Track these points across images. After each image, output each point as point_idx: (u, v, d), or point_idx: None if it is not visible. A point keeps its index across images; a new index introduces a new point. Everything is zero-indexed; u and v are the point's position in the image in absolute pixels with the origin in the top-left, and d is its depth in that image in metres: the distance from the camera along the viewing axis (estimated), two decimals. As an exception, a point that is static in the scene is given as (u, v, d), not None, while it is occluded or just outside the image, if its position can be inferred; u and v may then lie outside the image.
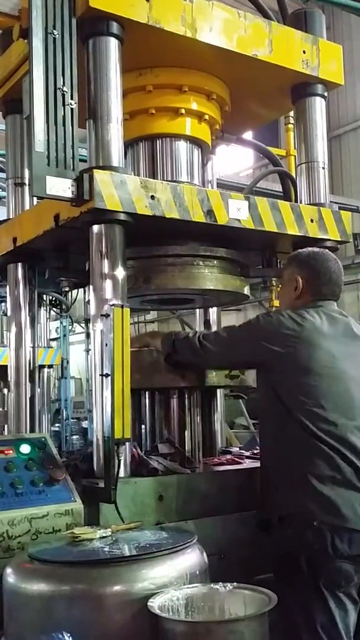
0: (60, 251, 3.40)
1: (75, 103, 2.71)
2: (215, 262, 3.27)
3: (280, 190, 4.04)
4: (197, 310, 4.23)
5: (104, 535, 2.29)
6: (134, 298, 3.34)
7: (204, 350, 2.84)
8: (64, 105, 2.69)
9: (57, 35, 2.69)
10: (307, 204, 3.44)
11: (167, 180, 3.09)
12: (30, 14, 2.65)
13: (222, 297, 3.62)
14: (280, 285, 2.97)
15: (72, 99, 2.70)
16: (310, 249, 2.98)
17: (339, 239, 3.41)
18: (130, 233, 2.82)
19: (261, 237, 3.29)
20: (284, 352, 2.63)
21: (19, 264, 3.50)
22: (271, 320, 2.73)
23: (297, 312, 2.73)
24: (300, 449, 2.56)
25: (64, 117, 2.68)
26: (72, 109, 2.70)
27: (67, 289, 3.77)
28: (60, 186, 2.63)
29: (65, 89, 2.69)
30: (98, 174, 2.68)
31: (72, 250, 3.36)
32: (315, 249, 2.97)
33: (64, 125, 2.68)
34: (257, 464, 3.13)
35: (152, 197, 2.81)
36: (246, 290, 3.49)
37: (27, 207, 3.60)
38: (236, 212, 3.05)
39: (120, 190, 2.72)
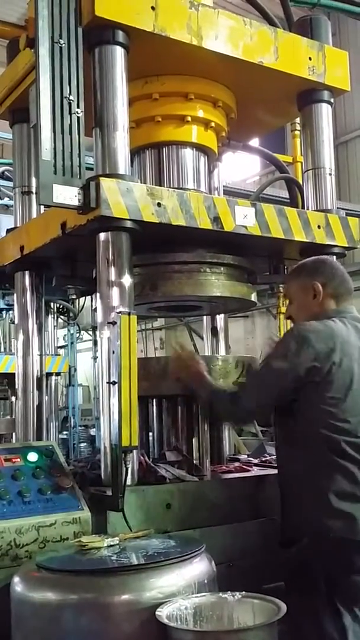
0: (67, 259, 3.40)
1: (82, 111, 2.72)
2: (222, 268, 3.26)
3: (287, 197, 4.04)
4: (205, 317, 4.22)
5: (112, 543, 2.28)
6: (141, 305, 3.34)
7: (246, 393, 2.75)
8: (70, 113, 2.70)
9: (63, 45, 2.71)
10: (314, 211, 3.44)
11: (173, 188, 3.09)
12: (37, 23, 2.67)
13: (229, 303, 3.61)
14: (289, 302, 2.88)
15: (78, 107, 2.71)
16: (310, 258, 2.92)
17: (347, 245, 3.40)
18: (137, 240, 2.82)
19: (268, 244, 3.28)
20: (320, 366, 2.51)
21: (26, 272, 3.51)
22: (306, 337, 2.55)
23: (326, 325, 2.61)
24: (321, 464, 2.50)
25: (70, 125, 2.69)
26: (78, 118, 2.71)
27: (74, 296, 3.77)
28: (67, 194, 2.64)
29: (71, 97, 2.70)
30: (104, 182, 2.68)
31: (79, 257, 3.36)
32: (314, 258, 2.93)
33: (70, 133, 2.69)
34: (265, 472, 3.13)
35: (159, 204, 2.81)
36: (253, 297, 3.49)
37: (34, 215, 3.61)
38: (243, 218, 3.05)
39: (127, 197, 2.72)
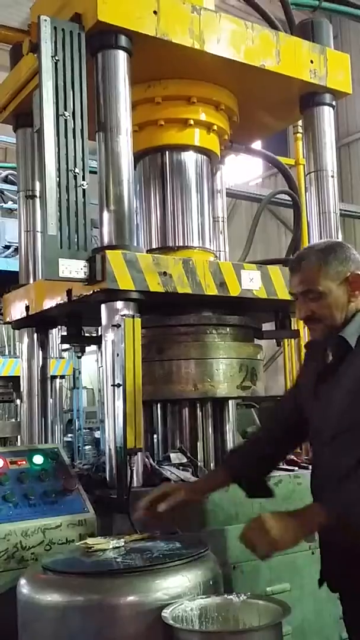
0: (73, 318, 3.41)
1: (87, 184, 2.72)
2: (228, 329, 3.25)
3: (287, 199, 4.05)
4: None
5: (117, 545, 2.29)
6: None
7: None
8: (76, 187, 2.70)
9: (68, 117, 2.71)
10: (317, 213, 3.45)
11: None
12: (41, 98, 2.66)
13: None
14: (309, 297, 2.20)
15: (83, 180, 2.71)
16: (326, 242, 2.47)
17: None
18: (143, 304, 2.81)
19: (275, 304, 3.26)
20: None
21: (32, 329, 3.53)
22: None
23: None
24: None
25: (76, 198, 2.69)
26: (83, 190, 2.71)
27: (79, 354, 3.82)
28: (73, 267, 2.65)
29: (77, 170, 2.70)
30: (110, 254, 2.68)
31: (85, 316, 3.37)
32: (330, 241, 2.51)
33: (76, 206, 2.68)
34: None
35: (164, 273, 2.81)
36: (259, 356, 3.42)
37: (38, 219, 3.61)
38: (249, 282, 3.05)
39: (132, 269, 2.72)
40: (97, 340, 3.01)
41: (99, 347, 3.09)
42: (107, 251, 2.69)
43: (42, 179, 2.69)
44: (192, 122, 3.33)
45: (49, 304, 3.12)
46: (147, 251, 3.28)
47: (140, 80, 3.19)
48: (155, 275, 2.79)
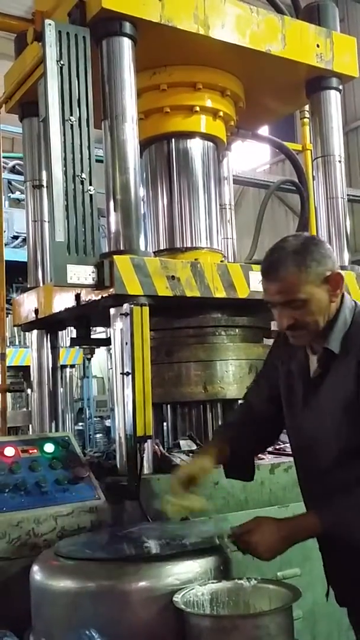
0: (82, 319, 3.40)
1: (94, 189, 2.71)
2: (237, 330, 3.24)
3: (292, 187, 4.04)
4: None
5: None
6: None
7: None
8: (83, 192, 2.69)
9: (74, 122, 2.69)
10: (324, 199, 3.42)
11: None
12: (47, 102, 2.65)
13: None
14: (292, 306, 2.07)
15: (90, 185, 2.70)
16: (295, 239, 2.10)
17: None
18: (151, 307, 2.78)
19: None
20: None
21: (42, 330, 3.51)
22: None
23: None
24: None
25: (83, 204, 2.68)
26: (91, 195, 2.70)
27: (89, 356, 3.79)
28: (81, 274, 2.64)
29: (83, 176, 2.69)
30: (118, 260, 2.67)
31: (94, 318, 3.36)
32: (302, 237, 2.13)
33: (83, 212, 2.68)
34: (279, 460, 3.13)
35: (172, 277, 2.80)
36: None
37: (45, 209, 3.61)
38: (257, 283, 3.00)
39: (140, 273, 2.71)
40: (106, 342, 2.99)
41: (108, 350, 3.09)
42: (114, 256, 2.68)
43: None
44: (197, 108, 3.32)
45: (57, 307, 3.12)
46: (155, 252, 3.27)
47: (145, 68, 3.18)
48: (164, 279, 2.78)
